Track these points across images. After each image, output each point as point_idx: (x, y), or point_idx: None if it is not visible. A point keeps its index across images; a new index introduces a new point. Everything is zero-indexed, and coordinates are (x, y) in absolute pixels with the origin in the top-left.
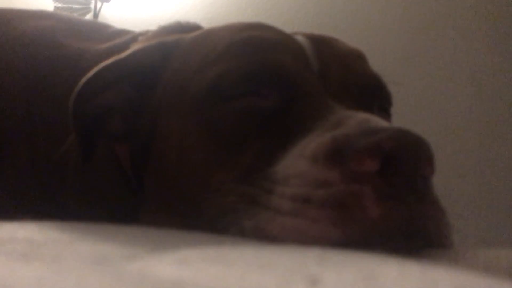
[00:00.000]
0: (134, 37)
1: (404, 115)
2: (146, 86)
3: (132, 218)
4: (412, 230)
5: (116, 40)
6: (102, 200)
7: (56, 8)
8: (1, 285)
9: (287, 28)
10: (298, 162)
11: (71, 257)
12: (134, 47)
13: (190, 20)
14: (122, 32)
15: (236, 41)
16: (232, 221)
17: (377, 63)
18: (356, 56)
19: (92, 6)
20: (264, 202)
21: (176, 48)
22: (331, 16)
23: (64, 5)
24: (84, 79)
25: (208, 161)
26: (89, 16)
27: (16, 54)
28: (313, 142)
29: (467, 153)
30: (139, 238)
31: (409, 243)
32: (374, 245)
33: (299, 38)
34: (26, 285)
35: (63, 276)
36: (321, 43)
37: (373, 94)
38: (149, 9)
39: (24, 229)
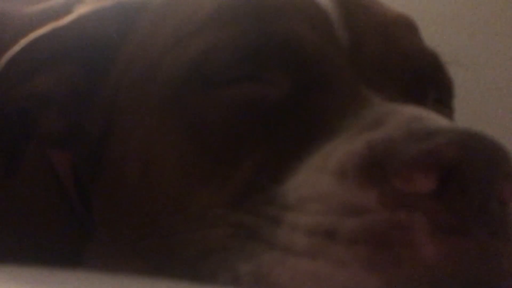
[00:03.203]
0: None
1: (472, 112)
2: (97, 67)
3: (74, 258)
4: (484, 278)
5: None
6: (30, 230)
7: None
8: None
9: None
10: (318, 179)
11: None
12: (80, 11)
13: None
14: None
15: (228, 4)
16: (222, 264)
17: (434, 36)
18: (403, 26)
19: None
20: (268, 236)
21: (141, 12)
22: None
23: None
24: (5, 57)
25: (186, 176)
26: None
27: None
28: (340, 150)
29: None
30: (84, 287)
31: None
32: None
33: None
34: None
35: None
36: (352, 7)
37: (427, 80)
38: None
39: None
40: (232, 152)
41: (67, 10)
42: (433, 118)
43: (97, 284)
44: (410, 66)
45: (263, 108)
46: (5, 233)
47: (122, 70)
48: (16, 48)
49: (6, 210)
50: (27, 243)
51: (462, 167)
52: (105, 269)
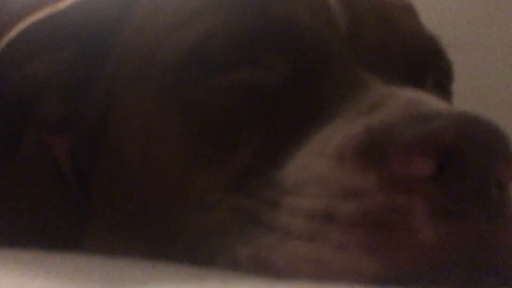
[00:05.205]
0: None
1: (472, 97)
2: (95, 52)
3: (73, 242)
4: (482, 262)
5: None
6: (29, 215)
7: None
8: None
9: None
10: (316, 163)
11: None
12: None
13: None
14: None
15: None
16: (221, 248)
17: (433, 19)
18: (401, 9)
19: None
20: (266, 220)
21: None
22: None
23: None
24: (3, 41)
25: (186, 160)
26: None
27: None
28: (338, 134)
29: None
30: (84, 271)
31: (477, 281)
32: (427, 283)
33: None
34: None
35: None
36: None
37: (425, 63)
38: None
39: None
40: (231, 137)
41: None
42: (431, 102)
43: (97, 267)
44: (408, 49)
45: (262, 92)
46: (5, 218)
47: (120, 55)
48: (13, 32)
49: (5, 195)
50: (27, 227)
51: (460, 151)
52: (105, 253)
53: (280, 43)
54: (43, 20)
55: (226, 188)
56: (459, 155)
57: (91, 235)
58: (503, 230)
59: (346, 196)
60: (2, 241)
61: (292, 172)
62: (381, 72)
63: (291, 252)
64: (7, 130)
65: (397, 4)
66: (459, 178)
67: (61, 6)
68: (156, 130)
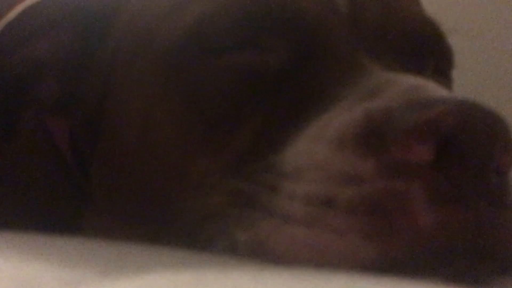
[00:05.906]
0: None
1: (472, 83)
2: (94, 34)
3: (73, 225)
4: (481, 248)
5: None
6: (28, 198)
7: None
8: None
9: None
10: (316, 148)
11: None
12: None
13: None
14: None
15: None
16: (220, 232)
17: (434, 5)
18: None
19: None
20: (265, 204)
21: None
22: None
23: None
24: (2, 22)
25: (184, 143)
26: None
27: None
28: (338, 119)
29: None
30: (83, 254)
31: (476, 266)
32: (426, 269)
33: None
34: None
35: None
36: None
37: (426, 49)
38: None
39: None
40: (230, 120)
41: None
42: (432, 88)
43: (95, 251)
44: (409, 35)
45: (262, 75)
46: (3, 201)
47: (119, 37)
48: (13, 13)
49: (4, 177)
50: (26, 211)
51: (460, 137)
52: (104, 236)
53: (280, 26)
54: (42, 1)
55: (225, 171)
56: (459, 141)
57: (90, 218)
58: (502, 216)
59: (345, 181)
60: (0, 224)
61: (292, 156)
62: (382, 57)
63: (289, 237)
64: (5, 111)
65: None
66: (458, 165)
67: None
68: (155, 112)
